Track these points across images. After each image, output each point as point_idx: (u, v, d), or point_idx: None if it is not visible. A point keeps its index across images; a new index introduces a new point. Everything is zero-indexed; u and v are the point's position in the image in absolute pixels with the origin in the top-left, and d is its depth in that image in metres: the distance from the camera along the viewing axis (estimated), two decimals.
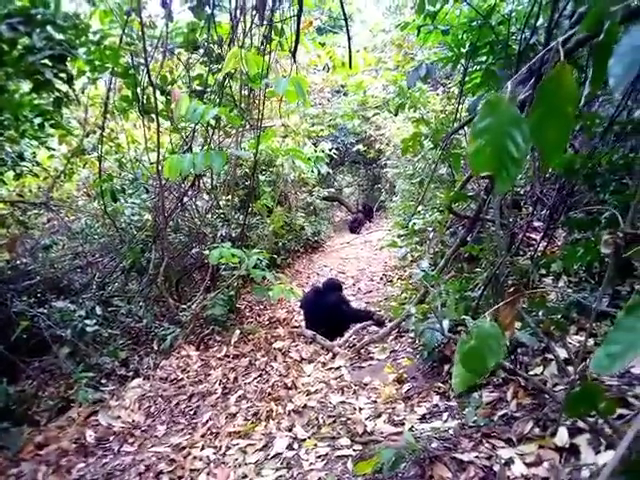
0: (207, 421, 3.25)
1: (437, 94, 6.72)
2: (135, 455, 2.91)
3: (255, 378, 3.79)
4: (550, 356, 2.40)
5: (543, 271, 3.44)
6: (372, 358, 3.78)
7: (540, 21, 3.32)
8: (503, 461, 1.88)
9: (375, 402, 2.97)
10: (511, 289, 1.56)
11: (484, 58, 3.90)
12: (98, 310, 4.32)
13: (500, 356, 1.21)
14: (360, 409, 2.90)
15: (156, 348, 4.50)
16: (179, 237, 5.94)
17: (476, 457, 1.96)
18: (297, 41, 3.86)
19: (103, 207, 5.06)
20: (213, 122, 4.81)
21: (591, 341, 2.41)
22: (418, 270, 3.98)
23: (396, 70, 7.16)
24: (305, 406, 3.10)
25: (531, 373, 2.40)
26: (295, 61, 4.07)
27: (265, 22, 4.08)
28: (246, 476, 2.46)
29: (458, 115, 4.54)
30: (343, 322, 4.61)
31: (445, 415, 2.54)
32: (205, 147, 4.91)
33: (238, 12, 4.24)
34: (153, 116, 4.55)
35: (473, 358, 1.21)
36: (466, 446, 2.07)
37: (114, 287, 5.56)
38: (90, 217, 5.98)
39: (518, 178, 4.31)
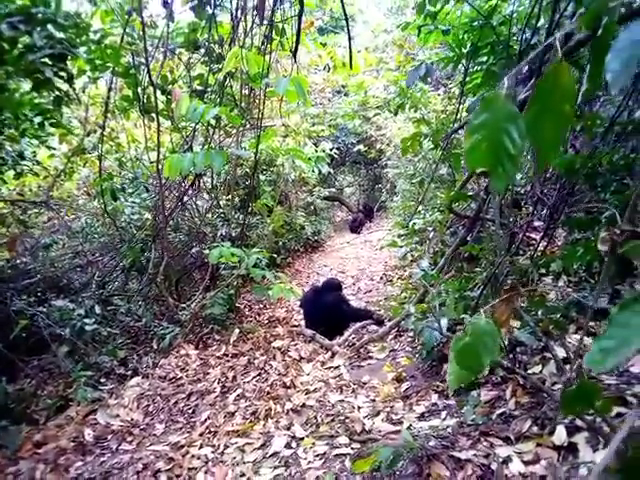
0: (205, 420, 3.24)
1: (438, 94, 6.72)
2: (133, 454, 2.91)
3: (254, 377, 3.78)
4: (549, 355, 2.39)
5: (543, 271, 3.43)
6: (371, 357, 3.78)
7: (541, 22, 3.32)
8: (501, 459, 1.88)
9: (374, 401, 2.97)
10: (508, 287, 1.56)
11: (485, 58, 3.90)
12: (97, 309, 4.32)
13: (495, 353, 1.20)
14: (359, 408, 2.90)
15: (155, 347, 4.50)
16: (179, 236, 5.94)
17: (474, 455, 1.96)
18: (298, 41, 3.86)
19: (103, 206, 5.05)
20: (213, 122, 4.81)
21: (590, 340, 2.41)
22: (418, 270, 3.98)
23: (397, 70, 7.15)
24: (304, 405, 3.09)
25: (530, 372, 2.39)
26: (296, 61, 4.07)
27: (266, 22, 4.07)
28: (244, 475, 2.45)
29: (459, 115, 4.54)
30: (342, 321, 4.62)
31: (444, 414, 2.53)
32: (205, 146, 4.91)
33: (239, 12, 4.24)
34: (153, 115, 4.55)
35: (468, 355, 1.20)
36: (464, 444, 2.07)
37: (114, 286, 5.56)
38: (90, 216, 5.97)
39: (518, 178, 4.32)
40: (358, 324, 4.48)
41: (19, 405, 3.47)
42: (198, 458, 2.73)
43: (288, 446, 2.64)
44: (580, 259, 2.67)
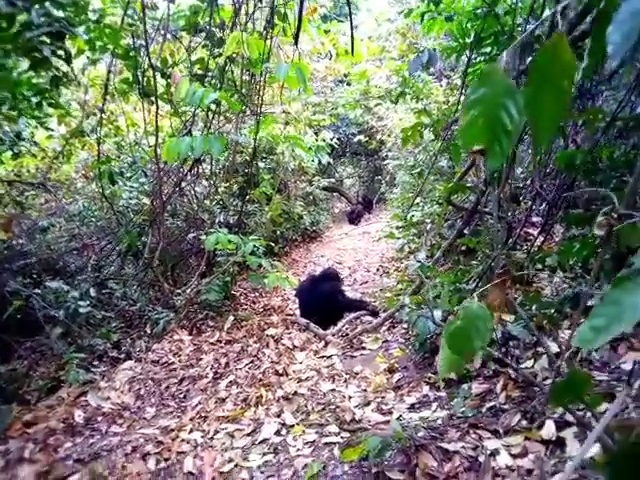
0: (196, 405, 3.25)
1: (440, 85, 6.65)
2: (123, 436, 2.91)
3: (247, 364, 3.78)
4: (541, 350, 2.39)
5: (539, 266, 3.42)
6: (364, 348, 3.78)
7: (546, 12, 3.28)
8: (489, 452, 1.88)
9: (365, 391, 2.97)
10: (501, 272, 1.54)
11: (489, 49, 3.86)
12: (92, 292, 4.31)
13: (487, 338, 1.18)
14: (350, 397, 2.90)
15: (149, 331, 4.50)
16: (176, 222, 5.91)
17: (462, 447, 1.96)
18: (299, 25, 3.81)
19: (101, 190, 5.02)
20: (213, 107, 4.77)
21: None
22: (414, 262, 3.97)
23: (400, 60, 7.08)
24: (295, 393, 3.09)
25: (522, 366, 2.39)
26: (297, 45, 4.02)
27: (268, 6, 4.02)
28: (232, 460, 2.45)
29: (460, 106, 4.50)
30: (337, 311, 4.60)
31: (434, 405, 2.53)
32: (204, 132, 4.87)
33: None
34: (153, 99, 4.50)
35: (459, 339, 1.18)
36: (453, 436, 2.07)
37: (110, 270, 5.54)
38: (88, 199, 5.94)
39: (518, 172, 4.29)
40: (352, 314, 4.47)
41: (11, 385, 3.47)
42: (187, 442, 2.73)
43: (278, 433, 2.65)
44: (576, 255, 2.65)
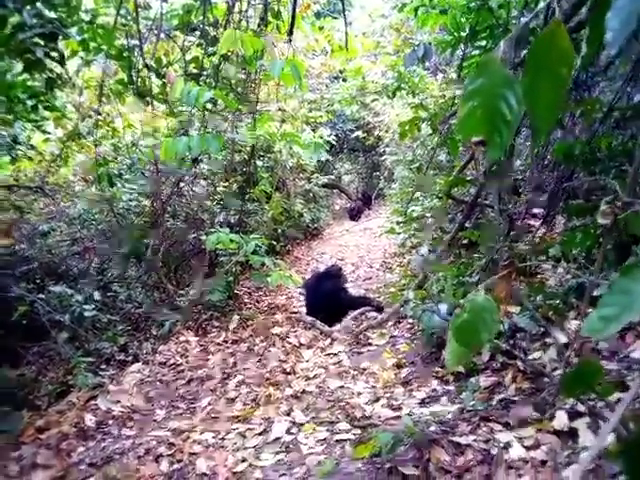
0: (206, 405, 3.26)
1: (436, 79, 6.66)
2: (134, 439, 2.92)
3: (254, 363, 3.80)
4: (549, 341, 2.40)
5: (542, 257, 3.43)
6: (371, 344, 3.80)
7: (541, 5, 3.28)
8: (501, 444, 1.89)
9: (374, 387, 2.99)
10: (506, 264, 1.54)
11: (484, 42, 3.86)
12: (97, 295, 4.30)
13: (494, 330, 1.18)
14: (359, 394, 2.92)
15: (155, 333, 4.51)
16: (177, 223, 5.91)
17: (474, 440, 1.97)
18: (293, 22, 3.80)
19: (100, 192, 5.02)
20: (210, 106, 4.76)
21: None
22: (417, 256, 3.98)
23: (395, 55, 7.07)
24: (304, 391, 3.11)
25: (530, 358, 2.40)
26: (291, 42, 4.01)
27: (261, 3, 4.01)
28: (245, 460, 2.46)
29: (456, 100, 4.50)
30: (341, 308, 4.62)
31: (444, 399, 2.55)
32: (201, 131, 4.86)
33: None
34: (148, 99, 4.49)
35: (466, 332, 1.18)
36: (464, 430, 2.08)
37: (113, 273, 5.54)
38: (87, 202, 5.92)
39: (517, 164, 4.30)
40: (357, 310, 4.48)
41: (21, 391, 3.48)
42: (199, 443, 2.74)
43: (289, 432, 2.66)
44: (579, 245, 2.66)
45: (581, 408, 1.82)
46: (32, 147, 5.44)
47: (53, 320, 3.85)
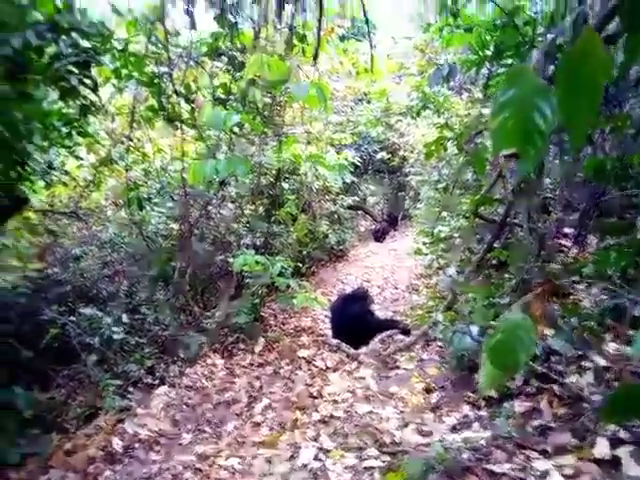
0: (232, 430, 3.23)
1: (461, 99, 6.64)
2: (161, 464, 2.90)
3: (280, 387, 3.76)
4: (586, 364, 2.30)
5: (575, 278, 3.33)
6: (398, 367, 3.72)
7: (567, 21, 3.24)
8: (538, 473, 1.80)
9: (402, 412, 2.91)
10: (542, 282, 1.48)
11: (509, 61, 3.83)
12: (125, 318, 4.35)
13: (532, 349, 1.11)
14: (387, 419, 2.84)
15: (182, 356, 4.51)
16: (204, 246, 5.97)
17: (510, 469, 1.88)
18: (318, 45, 3.86)
19: (130, 216, 5.12)
20: (237, 129, 4.85)
21: (629, 349, 2.30)
22: (445, 277, 3.90)
23: (420, 76, 7.11)
24: (331, 416, 3.05)
25: (566, 382, 2.30)
26: (316, 64, 4.07)
27: (286, 27, 4.10)
28: None
29: (482, 119, 4.47)
30: (368, 331, 4.55)
31: (476, 425, 2.46)
32: (228, 154, 4.94)
33: (261, 19, 4.27)
34: (178, 124, 4.60)
35: (502, 352, 1.11)
36: (498, 457, 2.00)
37: (141, 296, 5.61)
38: (117, 226, 6.05)
39: (547, 182, 4.21)
40: (384, 333, 4.41)
41: (50, 414, 3.51)
42: (225, 469, 2.70)
43: (316, 458, 2.59)
44: (614, 264, 2.57)
45: (623, 435, 1.72)
46: (66, 173, 5.60)
47: (83, 343, 3.90)
